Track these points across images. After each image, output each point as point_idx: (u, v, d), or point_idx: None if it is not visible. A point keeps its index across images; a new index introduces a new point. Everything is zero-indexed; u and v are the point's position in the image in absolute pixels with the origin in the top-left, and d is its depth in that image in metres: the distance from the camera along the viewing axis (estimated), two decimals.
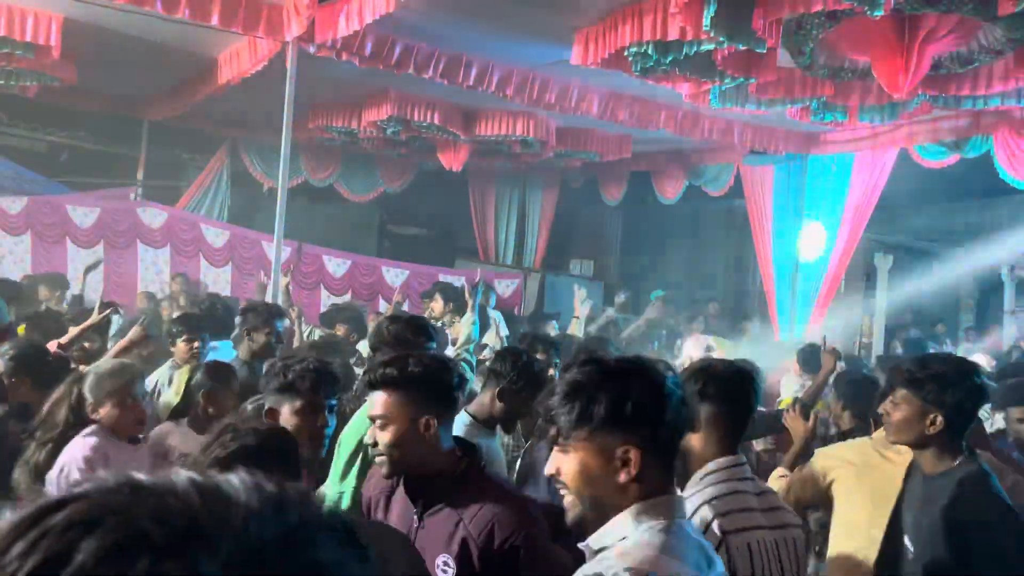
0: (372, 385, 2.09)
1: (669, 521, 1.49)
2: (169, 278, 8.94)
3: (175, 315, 5.66)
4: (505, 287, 10.49)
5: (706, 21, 4.32)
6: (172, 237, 9.22)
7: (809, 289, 8.59)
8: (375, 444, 2.06)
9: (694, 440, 2.20)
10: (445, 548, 1.97)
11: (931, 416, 2.42)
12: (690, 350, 5.33)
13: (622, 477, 1.49)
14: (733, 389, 2.24)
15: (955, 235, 11.81)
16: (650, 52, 5.13)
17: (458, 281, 10.34)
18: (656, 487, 1.52)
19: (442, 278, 10.06)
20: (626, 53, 5.29)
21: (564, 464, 1.54)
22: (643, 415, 1.50)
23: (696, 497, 2.09)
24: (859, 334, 10.15)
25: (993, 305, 11.81)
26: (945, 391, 2.41)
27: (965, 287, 12.41)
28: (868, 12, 3.98)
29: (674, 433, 1.56)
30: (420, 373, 2.07)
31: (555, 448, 1.57)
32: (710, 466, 2.17)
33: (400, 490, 2.14)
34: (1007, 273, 11.11)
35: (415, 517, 2.07)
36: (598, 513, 1.52)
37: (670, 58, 5.16)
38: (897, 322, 10.36)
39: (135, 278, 8.99)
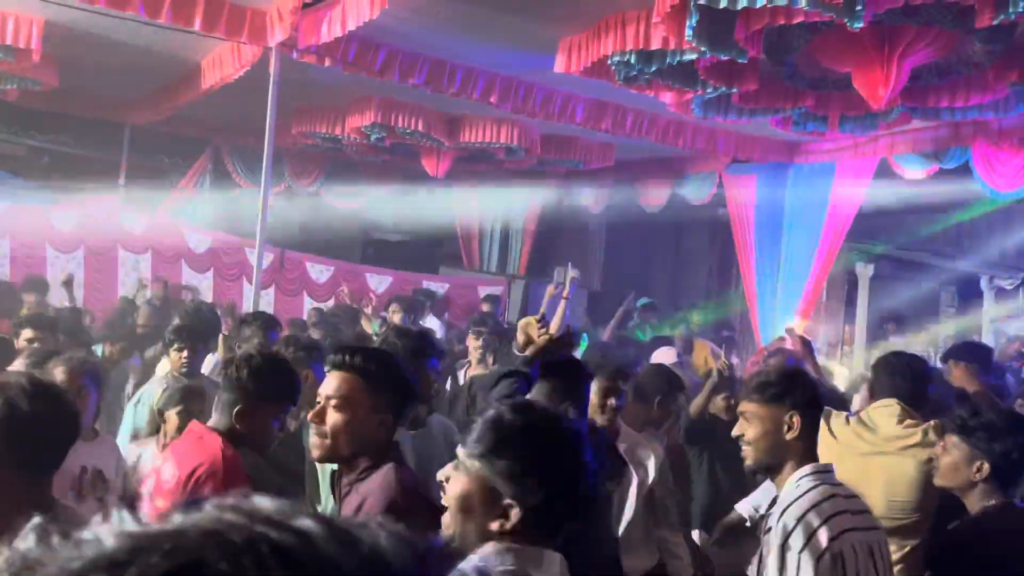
0: (339, 366, 2.08)
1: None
2: (149, 283, 8.87)
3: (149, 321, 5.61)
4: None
5: (688, 31, 4.35)
6: (153, 243, 9.16)
7: (791, 297, 8.64)
8: (321, 421, 2.05)
9: (792, 448, 2.28)
10: None
11: (978, 463, 2.55)
12: (660, 358, 5.34)
13: (495, 526, 1.46)
14: (816, 397, 2.38)
15: (935, 245, 11.94)
16: (633, 61, 5.16)
17: (442, 288, 10.34)
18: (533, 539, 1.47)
19: (426, 285, 10.05)
20: (609, 62, 5.32)
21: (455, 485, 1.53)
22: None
23: (801, 502, 2.15)
24: (840, 342, 10.23)
25: (973, 314, 11.93)
26: (995, 441, 2.55)
27: (946, 295, 12.55)
28: (848, 24, 4.02)
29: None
30: (394, 372, 2.11)
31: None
32: (806, 469, 2.24)
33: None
34: (986, 282, 11.24)
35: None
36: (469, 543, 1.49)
37: (653, 67, 5.18)
38: (878, 331, 10.44)
39: (115, 283, 8.91)
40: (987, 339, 10.61)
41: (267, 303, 8.93)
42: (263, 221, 6.00)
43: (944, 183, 7.51)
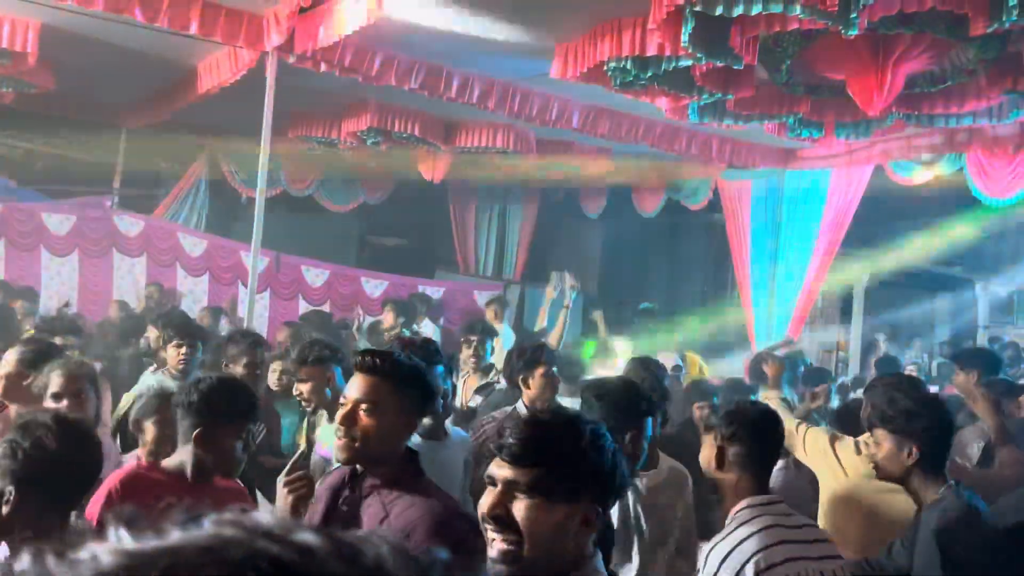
0: (367, 369, 2.10)
1: None
2: (144, 287, 8.85)
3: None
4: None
5: (684, 37, 4.36)
6: (149, 246, 9.14)
7: (787, 303, 8.65)
8: (351, 424, 2.06)
9: (726, 481, 2.36)
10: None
11: (907, 448, 2.59)
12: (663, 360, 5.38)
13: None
14: (761, 430, 2.40)
15: (931, 251, 11.95)
16: (629, 67, 5.18)
17: (437, 292, 10.34)
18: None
19: (421, 289, 10.04)
20: (605, 68, 5.33)
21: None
22: None
23: (732, 537, 2.17)
24: (836, 349, 10.24)
25: (967, 320, 11.96)
26: (914, 422, 2.58)
27: (941, 302, 12.57)
28: (843, 32, 4.03)
29: None
30: (420, 376, 2.16)
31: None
32: (743, 503, 2.28)
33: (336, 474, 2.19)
34: (980, 289, 11.27)
35: (342, 504, 2.09)
36: None
37: (649, 73, 5.20)
38: (873, 337, 10.46)
39: (110, 287, 8.89)
40: (981, 345, 10.62)
41: (262, 307, 8.93)
42: (258, 225, 6.00)
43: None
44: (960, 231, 9.00)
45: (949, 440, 2.70)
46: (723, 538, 2.18)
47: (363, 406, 2.06)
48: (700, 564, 2.19)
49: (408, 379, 2.12)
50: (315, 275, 9.99)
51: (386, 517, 2.01)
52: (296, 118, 8.19)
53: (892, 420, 2.61)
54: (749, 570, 2.07)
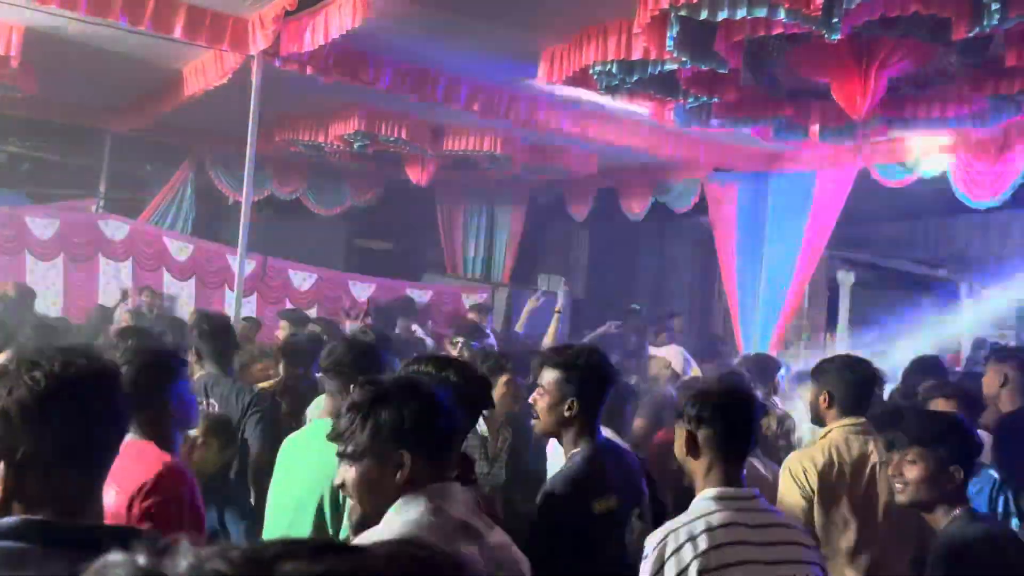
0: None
1: (432, 504, 1.67)
2: (135, 291, 8.79)
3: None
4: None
5: (669, 42, 4.38)
6: (134, 250, 9.10)
7: (773, 305, 8.69)
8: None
9: (696, 467, 2.24)
10: None
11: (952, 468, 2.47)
12: (669, 357, 5.39)
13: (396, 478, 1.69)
14: (729, 410, 2.25)
15: (916, 252, 12.06)
16: (614, 71, 5.19)
17: (425, 295, 10.33)
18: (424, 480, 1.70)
19: (409, 292, 10.04)
20: (591, 71, 5.35)
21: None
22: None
23: (683, 530, 2.07)
24: (823, 350, 10.29)
25: (952, 321, 12.04)
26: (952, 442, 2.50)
27: (926, 302, 12.66)
28: (826, 36, 4.06)
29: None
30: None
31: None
32: (708, 493, 2.17)
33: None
34: (965, 290, 11.36)
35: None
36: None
37: (634, 77, 5.22)
38: (860, 337, 10.52)
39: (95, 292, 8.84)
40: (965, 346, 10.71)
41: (249, 311, 8.89)
42: (244, 228, 5.98)
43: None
44: (944, 234, 9.08)
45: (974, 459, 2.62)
46: (676, 527, 2.08)
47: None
48: (648, 549, 2.08)
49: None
50: (302, 279, 9.96)
51: None
52: (283, 122, 8.17)
53: (937, 438, 2.48)
54: (693, 568, 2.00)
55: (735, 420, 2.25)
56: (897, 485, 2.53)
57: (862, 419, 3.12)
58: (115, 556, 0.53)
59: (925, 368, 4.69)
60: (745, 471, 2.33)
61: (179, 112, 7.62)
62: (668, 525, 2.12)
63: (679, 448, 2.27)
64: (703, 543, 2.03)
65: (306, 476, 2.65)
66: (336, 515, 2.58)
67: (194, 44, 5.73)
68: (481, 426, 3.70)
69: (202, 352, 3.91)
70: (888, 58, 4.65)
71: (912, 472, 2.47)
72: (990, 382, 4.02)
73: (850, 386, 3.15)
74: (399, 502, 1.66)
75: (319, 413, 3.54)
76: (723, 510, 2.11)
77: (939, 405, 3.45)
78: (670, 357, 5.68)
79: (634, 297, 12.05)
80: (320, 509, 2.58)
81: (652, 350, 6.59)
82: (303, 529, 2.61)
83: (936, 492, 2.45)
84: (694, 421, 2.23)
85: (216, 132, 9.03)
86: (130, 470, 2.16)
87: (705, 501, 2.15)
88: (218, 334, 3.99)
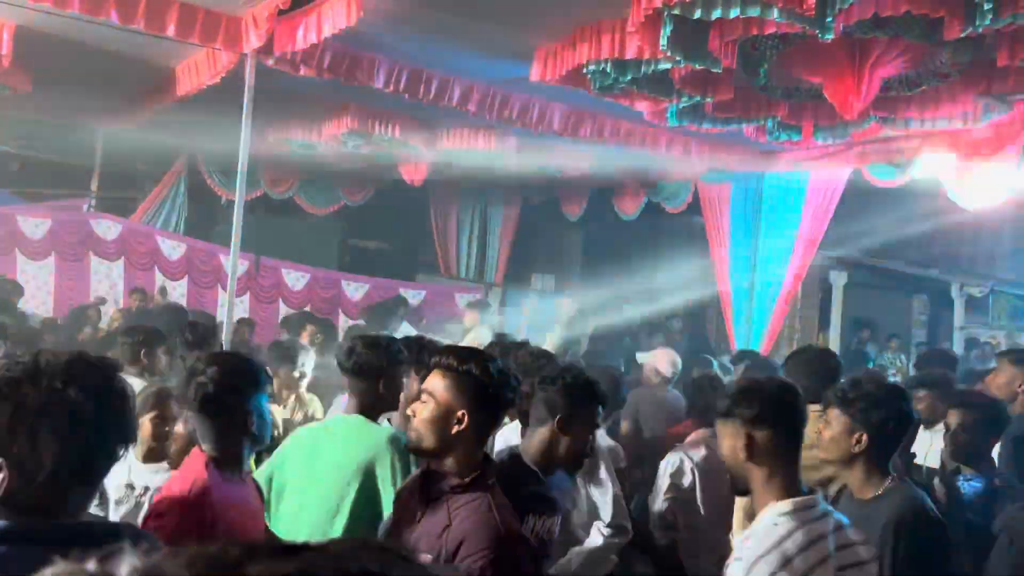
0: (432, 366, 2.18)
1: None
2: (124, 292, 8.76)
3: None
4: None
5: (663, 41, 4.38)
6: (127, 249, 9.06)
7: (765, 304, 8.71)
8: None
9: (755, 473, 2.09)
10: (432, 548, 2.00)
11: (857, 435, 2.53)
12: (657, 363, 5.39)
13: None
14: (790, 411, 2.13)
15: (908, 252, 12.10)
16: (608, 70, 5.19)
17: (418, 295, 10.32)
18: None
19: (402, 292, 10.02)
20: (585, 71, 5.35)
21: None
22: None
23: (773, 556, 1.94)
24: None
25: (944, 321, 12.10)
26: (871, 412, 2.52)
27: (918, 303, 12.71)
28: (820, 35, 4.07)
29: None
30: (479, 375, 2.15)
31: None
32: (779, 507, 2.03)
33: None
34: (957, 290, 11.41)
35: (419, 509, 2.12)
36: None
37: (628, 76, 5.22)
38: (852, 338, 10.55)
39: (87, 291, 8.80)
40: (957, 346, 10.76)
41: (242, 310, 8.87)
42: (237, 227, 5.96)
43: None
44: (936, 233, 9.11)
45: (902, 436, 2.67)
46: (763, 553, 1.94)
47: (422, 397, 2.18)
48: (737, 569, 1.98)
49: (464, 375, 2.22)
50: (295, 278, 9.94)
51: (448, 526, 2.01)
52: (276, 120, 8.14)
53: (851, 404, 2.54)
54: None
55: (794, 420, 2.13)
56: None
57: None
58: (62, 565, 0.53)
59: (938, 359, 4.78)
60: None
61: (172, 111, 7.59)
62: (753, 550, 1.98)
63: (734, 451, 2.09)
64: (800, 566, 1.94)
65: (334, 474, 2.70)
66: (370, 510, 2.62)
67: (187, 42, 5.70)
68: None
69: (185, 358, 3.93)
70: (881, 58, 4.66)
71: (826, 432, 2.58)
72: (1005, 384, 4.00)
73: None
74: None
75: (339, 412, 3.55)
76: (802, 525, 2.00)
77: (954, 417, 3.42)
78: (659, 360, 5.67)
79: (627, 296, 12.05)
80: (355, 504, 2.64)
81: (640, 356, 6.58)
82: (336, 528, 2.64)
83: (844, 452, 2.53)
84: (750, 422, 2.07)
85: (209, 131, 8.99)
86: (169, 484, 2.19)
87: (782, 517, 2.01)
88: (200, 344, 4.00)
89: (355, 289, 10.18)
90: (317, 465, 2.78)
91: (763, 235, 8.75)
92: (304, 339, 6.11)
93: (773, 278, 8.59)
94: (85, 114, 8.90)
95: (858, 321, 10.64)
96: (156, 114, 7.88)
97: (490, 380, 2.11)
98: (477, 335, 7.69)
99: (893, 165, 7.37)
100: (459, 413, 2.08)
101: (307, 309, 9.30)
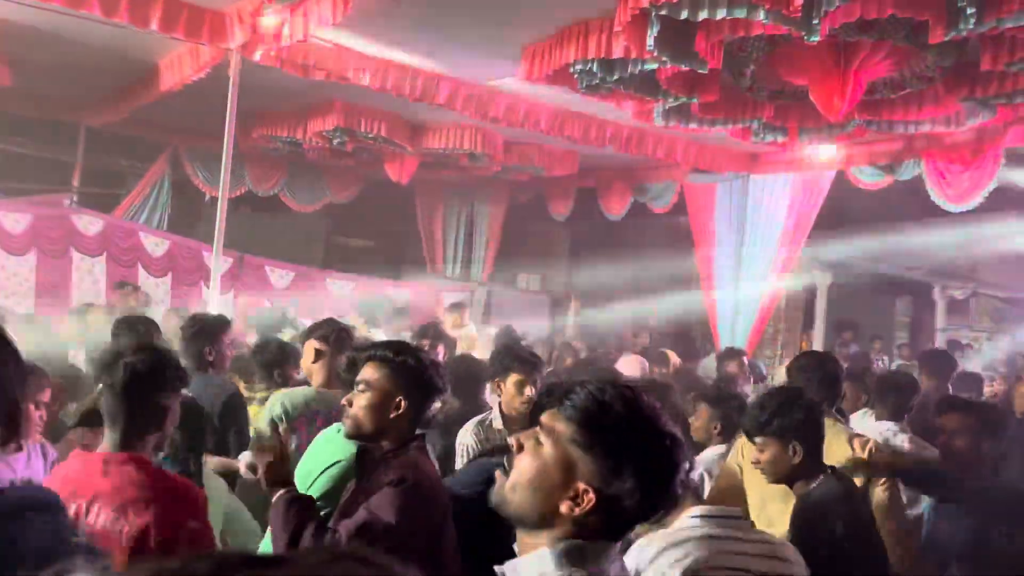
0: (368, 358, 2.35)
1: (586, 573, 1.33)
2: (106, 288, 8.67)
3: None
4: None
5: (649, 41, 4.39)
6: (109, 245, 8.97)
7: (750, 305, 8.75)
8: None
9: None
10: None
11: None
12: (626, 370, 5.36)
13: (564, 507, 1.35)
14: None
15: (891, 255, 12.16)
16: (595, 70, 5.19)
17: (404, 294, 10.28)
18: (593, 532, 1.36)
19: (387, 291, 9.99)
20: (572, 70, 5.35)
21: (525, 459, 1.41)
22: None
23: (669, 554, 2.02)
24: (798, 350, 10.37)
25: (926, 323, 12.18)
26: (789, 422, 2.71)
27: (901, 304, 12.80)
28: (806, 37, 4.09)
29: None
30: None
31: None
32: (695, 511, 2.15)
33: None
34: (939, 292, 11.49)
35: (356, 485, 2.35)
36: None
37: (615, 76, 5.22)
38: (836, 338, 10.60)
39: (68, 287, 8.71)
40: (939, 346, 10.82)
41: (226, 308, 8.80)
42: (221, 224, 5.92)
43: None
44: (919, 235, 9.16)
45: (822, 433, 2.77)
46: (667, 547, 2.08)
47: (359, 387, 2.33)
48: (643, 567, 2.04)
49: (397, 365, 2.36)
50: (280, 276, 9.88)
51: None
52: (261, 117, 8.10)
53: (768, 423, 2.69)
54: None
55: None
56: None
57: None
58: None
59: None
60: None
61: (155, 106, 7.53)
62: (660, 544, 2.10)
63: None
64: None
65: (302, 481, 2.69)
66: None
67: (171, 37, 5.65)
68: (496, 418, 3.73)
69: (181, 350, 3.91)
70: (866, 61, 4.69)
71: (765, 456, 2.73)
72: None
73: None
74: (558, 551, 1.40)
75: None
76: (706, 529, 2.16)
77: (954, 421, 3.41)
78: (628, 368, 5.63)
79: (613, 295, 12.07)
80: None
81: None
82: None
83: (787, 469, 2.70)
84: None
85: (193, 127, 8.94)
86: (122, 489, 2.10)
87: (693, 520, 2.17)
88: (198, 335, 3.96)
89: (340, 287, 10.13)
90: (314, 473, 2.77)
91: (748, 236, 8.78)
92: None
93: (758, 278, 8.63)
94: (67, 109, 8.82)
95: (841, 322, 10.70)
96: (139, 109, 7.81)
97: (424, 369, 2.32)
98: (467, 334, 7.67)
99: (877, 167, 7.41)
100: (397, 399, 2.28)
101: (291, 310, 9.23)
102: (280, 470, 2.28)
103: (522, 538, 1.39)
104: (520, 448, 1.41)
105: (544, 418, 1.41)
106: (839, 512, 2.55)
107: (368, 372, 2.32)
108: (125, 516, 2.01)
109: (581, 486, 1.33)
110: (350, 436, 2.34)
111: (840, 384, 3.53)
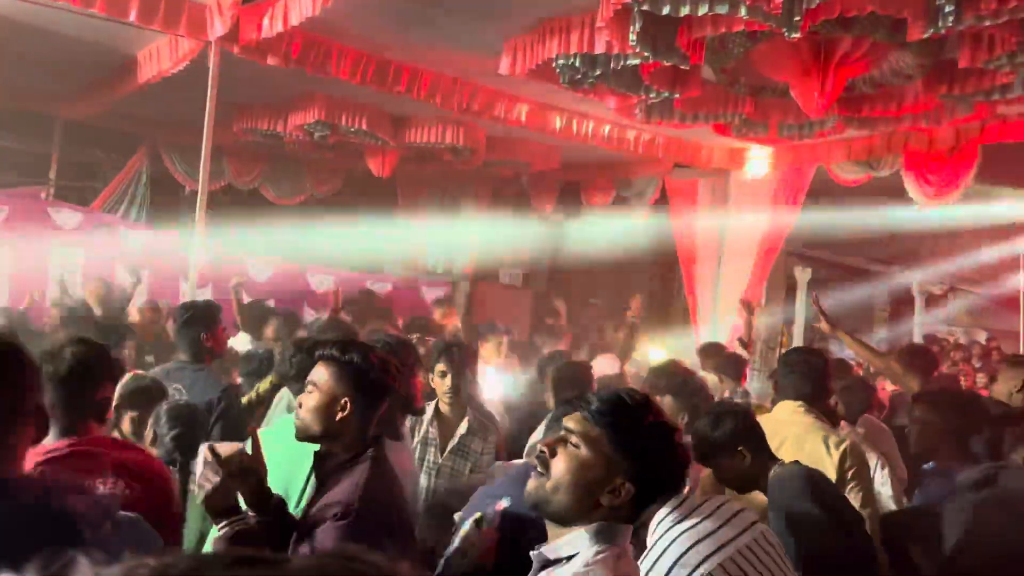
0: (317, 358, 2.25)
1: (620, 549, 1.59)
2: (82, 281, 8.57)
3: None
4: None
5: (632, 36, 4.39)
6: (87, 240, 8.86)
7: (731, 300, 8.78)
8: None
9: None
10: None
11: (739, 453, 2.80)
12: (601, 369, 5.35)
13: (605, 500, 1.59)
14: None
15: (870, 250, 12.29)
16: (578, 64, 5.19)
17: (384, 288, 10.24)
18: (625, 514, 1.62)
19: (370, 285, 9.95)
20: (554, 65, 5.34)
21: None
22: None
23: (668, 555, 2.02)
24: (778, 344, 10.45)
25: (905, 317, 12.32)
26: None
27: (879, 299, 12.94)
28: (786, 34, 4.10)
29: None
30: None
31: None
32: (663, 510, 2.12)
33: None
34: (917, 287, 11.62)
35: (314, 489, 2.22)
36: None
37: (597, 71, 5.22)
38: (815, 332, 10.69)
39: (45, 281, 8.60)
40: (916, 341, 10.94)
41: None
42: (200, 218, 5.87)
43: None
44: (898, 231, 9.25)
45: (760, 430, 2.83)
46: (661, 553, 2.10)
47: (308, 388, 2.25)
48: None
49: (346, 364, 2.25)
50: (260, 269, 9.80)
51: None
52: (241, 110, 8.03)
53: (714, 443, 2.75)
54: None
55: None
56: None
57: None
58: None
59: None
60: None
61: (134, 98, 7.44)
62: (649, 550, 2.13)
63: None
64: (688, 565, 2.05)
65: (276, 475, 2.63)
66: None
67: (149, 29, 5.59)
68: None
69: (176, 341, 3.93)
70: (846, 57, 4.71)
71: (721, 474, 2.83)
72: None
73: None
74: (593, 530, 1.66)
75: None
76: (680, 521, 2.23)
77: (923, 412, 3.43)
78: (602, 368, 5.58)
79: (595, 291, 12.11)
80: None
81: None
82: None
83: (742, 474, 2.76)
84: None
85: (172, 120, 8.85)
86: None
87: (665, 521, 2.20)
88: (191, 322, 3.91)
89: (320, 281, 10.08)
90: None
91: (730, 230, 8.82)
92: (268, 334, 5.98)
93: (739, 273, 8.67)
94: (43, 101, 8.69)
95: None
96: (117, 102, 7.72)
97: (371, 368, 2.21)
98: (456, 330, 7.65)
99: (856, 163, 7.47)
100: (343, 401, 2.17)
101: (271, 303, 9.15)
102: (226, 497, 1.97)
103: (558, 532, 1.62)
104: (553, 453, 1.63)
105: (571, 423, 1.65)
106: (800, 487, 2.60)
107: (316, 372, 2.23)
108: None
109: (619, 480, 1.59)
110: (300, 438, 2.23)
111: (827, 379, 3.52)
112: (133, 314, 7.29)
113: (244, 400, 4.07)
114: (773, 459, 2.76)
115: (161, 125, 9.23)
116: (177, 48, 6.08)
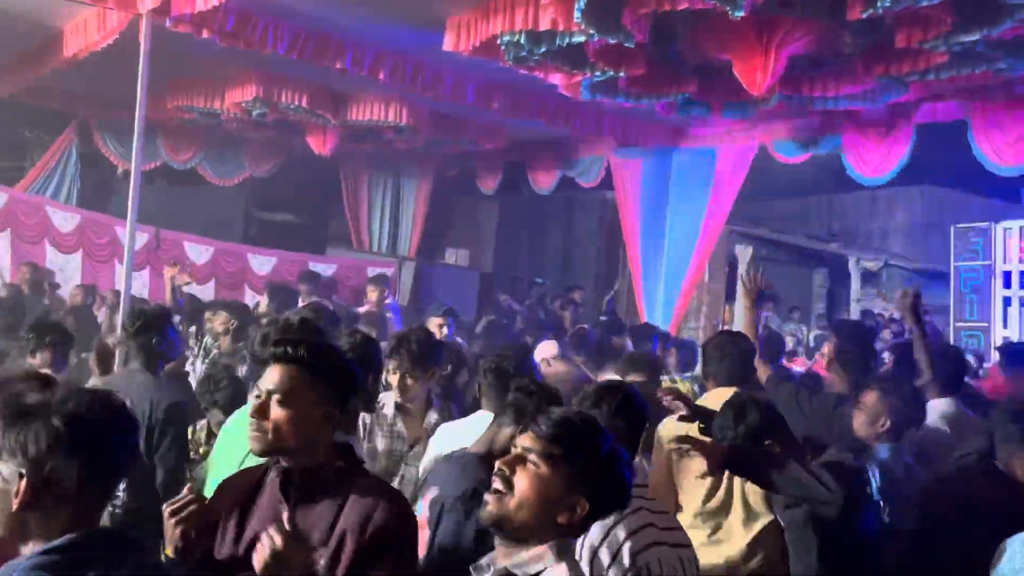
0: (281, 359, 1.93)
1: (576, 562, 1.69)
2: (11, 266, 8.23)
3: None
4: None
5: (577, 14, 4.36)
6: (13, 221, 8.50)
7: (675, 278, 8.88)
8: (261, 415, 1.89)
9: None
10: (322, 541, 1.84)
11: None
12: (542, 352, 5.32)
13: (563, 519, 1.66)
14: (633, 404, 2.43)
15: (809, 227, 12.56)
16: (522, 42, 5.14)
17: (329, 269, 10.09)
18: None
19: (312, 266, 9.78)
20: (499, 42, 5.28)
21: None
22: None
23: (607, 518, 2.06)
24: (721, 321, 10.62)
25: (842, 294, 12.64)
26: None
27: (818, 276, 13.25)
28: (730, 12, 4.12)
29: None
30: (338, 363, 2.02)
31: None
32: None
33: (270, 487, 1.96)
34: (853, 264, 11.92)
35: (285, 510, 1.86)
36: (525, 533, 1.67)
37: (542, 49, 5.18)
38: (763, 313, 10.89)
39: None
40: (853, 317, 11.24)
41: (141, 285, 8.49)
42: (134, 198, 5.66)
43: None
44: (835, 210, 9.47)
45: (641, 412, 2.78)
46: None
47: (275, 398, 1.91)
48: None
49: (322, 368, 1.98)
50: (199, 252, 9.55)
51: (341, 509, 1.87)
52: (176, 86, 7.77)
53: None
54: (627, 549, 2.07)
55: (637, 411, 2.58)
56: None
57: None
58: None
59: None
60: None
61: (62, 74, 7.14)
62: None
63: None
64: (628, 527, 2.21)
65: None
66: None
67: (75, 1, 5.35)
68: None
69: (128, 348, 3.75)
70: (787, 36, 4.76)
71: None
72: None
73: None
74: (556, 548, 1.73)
75: None
76: (635, 496, 2.28)
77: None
78: (544, 353, 5.54)
79: (542, 271, 12.14)
80: None
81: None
82: None
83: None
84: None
85: (103, 96, 8.52)
86: None
87: None
88: (143, 329, 3.72)
89: (262, 263, 9.87)
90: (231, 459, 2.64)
91: (672, 210, 8.89)
92: (217, 327, 5.75)
93: (682, 252, 8.75)
94: None
95: (761, 294, 10.98)
96: (43, 77, 7.39)
97: (350, 371, 2.01)
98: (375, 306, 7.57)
99: (797, 142, 7.58)
100: (326, 409, 1.95)
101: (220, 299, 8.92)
102: (201, 540, 1.86)
103: (507, 549, 1.67)
104: (512, 471, 1.67)
105: (527, 442, 1.69)
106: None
107: (283, 378, 1.92)
108: None
109: (576, 498, 1.65)
110: (264, 454, 1.93)
111: (752, 362, 3.61)
112: (67, 297, 7.04)
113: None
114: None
115: (92, 102, 8.88)
116: (106, 21, 5.84)
